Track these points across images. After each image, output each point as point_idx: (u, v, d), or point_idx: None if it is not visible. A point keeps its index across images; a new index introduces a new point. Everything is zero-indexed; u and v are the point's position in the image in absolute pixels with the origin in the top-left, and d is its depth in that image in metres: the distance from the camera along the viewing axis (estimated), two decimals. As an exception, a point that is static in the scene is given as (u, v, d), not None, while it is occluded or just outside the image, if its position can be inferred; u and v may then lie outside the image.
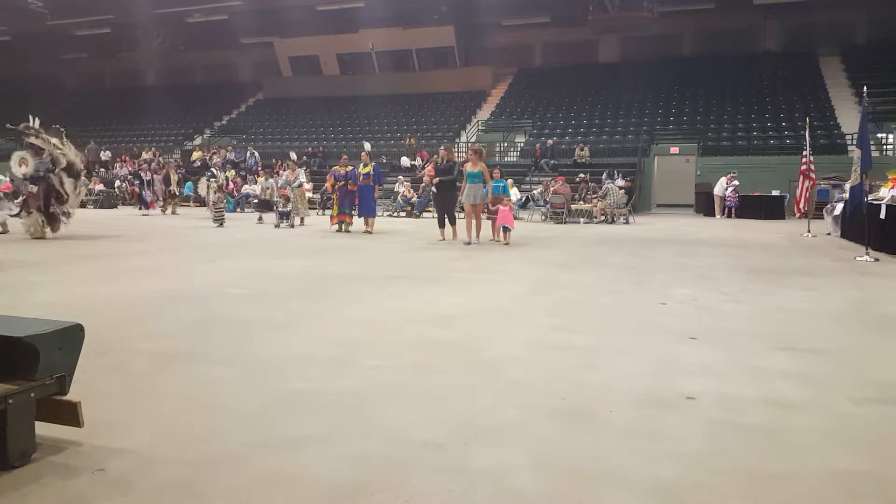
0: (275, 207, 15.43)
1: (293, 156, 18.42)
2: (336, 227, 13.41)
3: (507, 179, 19.35)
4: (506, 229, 10.93)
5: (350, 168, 13.35)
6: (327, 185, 14.06)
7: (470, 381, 3.58)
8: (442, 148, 12.83)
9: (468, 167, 10.95)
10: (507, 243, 10.78)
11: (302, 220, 15.11)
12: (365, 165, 13.15)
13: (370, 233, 12.85)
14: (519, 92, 29.66)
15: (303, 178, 15.68)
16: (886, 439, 2.81)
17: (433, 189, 12.60)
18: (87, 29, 33.23)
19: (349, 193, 13.25)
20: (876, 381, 3.62)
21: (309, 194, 17.13)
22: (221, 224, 14.66)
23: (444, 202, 11.69)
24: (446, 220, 11.44)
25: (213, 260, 8.84)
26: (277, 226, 14.38)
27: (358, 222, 13.32)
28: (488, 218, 11.36)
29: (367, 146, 14.34)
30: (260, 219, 16.06)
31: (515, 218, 18.09)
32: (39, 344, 2.52)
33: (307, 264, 8.40)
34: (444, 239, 11.27)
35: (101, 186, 24.09)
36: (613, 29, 27.35)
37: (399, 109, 30.10)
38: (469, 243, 10.67)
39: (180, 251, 10.00)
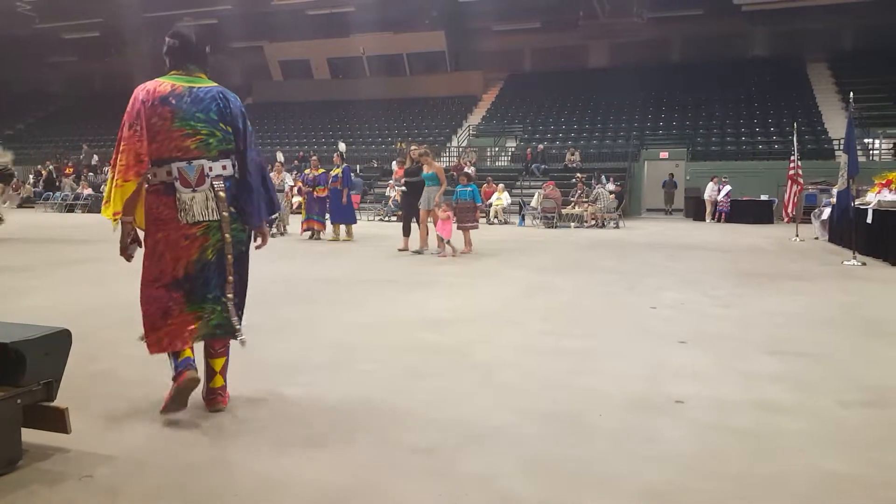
0: None
1: (280, 157, 17.36)
2: (307, 233, 12.58)
3: (501, 185, 19.52)
4: (440, 239, 9.79)
5: (321, 171, 12.56)
6: (295, 188, 13.36)
7: (461, 385, 3.58)
8: (413, 147, 11.91)
9: (425, 169, 10.14)
10: (455, 254, 9.77)
11: (283, 226, 14.05)
12: (335, 167, 12.24)
13: (348, 240, 12.02)
14: (510, 97, 29.76)
15: (290, 181, 14.78)
16: (875, 442, 2.83)
17: (402, 190, 11.40)
18: (75, 32, 33.05)
19: (318, 199, 12.41)
20: (864, 384, 3.65)
21: (297, 198, 16.24)
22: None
23: (411, 207, 10.50)
24: (412, 227, 10.45)
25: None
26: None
27: (329, 230, 12.40)
28: (467, 228, 10.43)
29: (342, 146, 13.56)
30: None
31: (505, 223, 18.28)
32: (26, 350, 2.50)
33: (297, 269, 8.38)
34: (405, 248, 10.27)
35: (89, 191, 23.96)
36: (603, 34, 27.54)
37: (390, 114, 30.12)
38: (419, 252, 9.91)
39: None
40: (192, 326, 2.89)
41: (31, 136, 33.50)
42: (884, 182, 10.80)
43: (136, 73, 35.25)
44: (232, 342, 3.10)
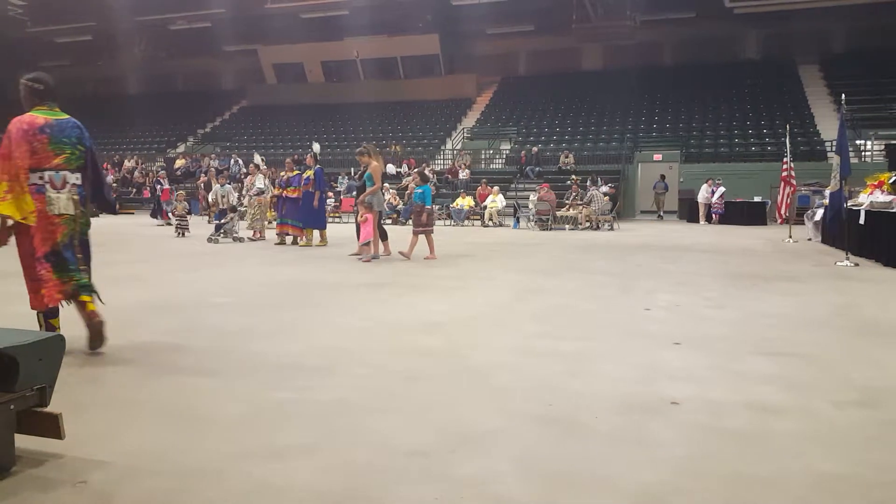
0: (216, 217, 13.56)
1: (257, 159, 16.40)
2: (279, 237, 12.06)
3: (496, 188, 19.55)
4: (367, 243, 9.47)
5: (295, 172, 11.94)
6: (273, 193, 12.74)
7: (456, 388, 3.58)
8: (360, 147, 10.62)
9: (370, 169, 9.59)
10: (368, 259, 9.36)
11: (259, 232, 13.27)
12: (307, 169, 11.73)
13: (322, 245, 11.63)
14: (504, 100, 29.82)
15: (260, 184, 13.71)
16: (868, 442, 2.85)
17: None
18: (68, 36, 32.97)
19: (289, 201, 11.79)
20: (857, 384, 3.67)
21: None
22: (182, 234, 13.84)
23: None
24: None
25: (196, 269, 8.78)
26: (210, 239, 12.42)
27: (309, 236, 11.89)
28: (417, 232, 9.86)
29: (316, 147, 12.85)
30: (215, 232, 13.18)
31: (500, 226, 18.30)
32: (19, 355, 2.49)
33: (291, 273, 8.36)
34: (385, 254, 9.88)
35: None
36: (596, 37, 27.63)
37: (384, 117, 30.14)
38: (374, 257, 9.48)
39: (162, 260, 9.91)
40: (62, 288, 3.99)
41: (24, 141, 33.28)
42: (876, 183, 10.87)
43: (128, 76, 35.28)
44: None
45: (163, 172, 23.61)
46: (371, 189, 9.42)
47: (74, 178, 4.01)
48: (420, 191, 10.08)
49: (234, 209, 13.13)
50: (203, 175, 21.81)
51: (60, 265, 3.97)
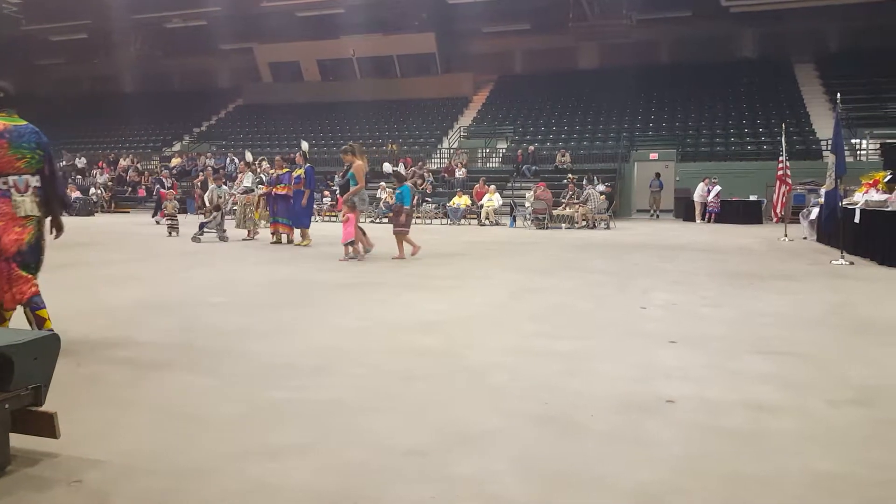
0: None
1: (249, 157, 15.97)
2: (273, 238, 11.97)
3: (492, 186, 19.54)
4: (350, 244, 9.38)
5: (285, 170, 11.85)
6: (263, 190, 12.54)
7: (453, 387, 3.58)
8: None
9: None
10: (345, 259, 9.35)
11: (250, 232, 12.99)
12: (298, 168, 11.65)
13: (305, 244, 11.46)
14: (500, 98, 29.81)
15: (248, 182, 13.35)
16: (864, 441, 2.85)
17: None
18: (63, 34, 32.82)
19: (278, 199, 11.71)
20: (853, 383, 3.67)
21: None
22: (170, 234, 13.49)
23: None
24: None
25: (192, 268, 8.76)
26: (194, 238, 12.16)
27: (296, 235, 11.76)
28: (397, 232, 9.74)
29: (304, 145, 12.66)
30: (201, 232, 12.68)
31: (497, 224, 18.30)
32: (14, 354, 2.47)
33: (287, 272, 8.35)
34: (368, 246, 9.89)
35: (77, 194, 23.80)
36: (593, 36, 27.64)
37: (381, 116, 30.09)
38: (353, 257, 9.45)
39: (159, 259, 9.88)
40: (33, 282, 4.15)
41: (19, 139, 33.15)
42: (871, 182, 10.91)
43: (123, 75, 35.16)
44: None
45: (166, 172, 23.51)
46: (354, 189, 9.35)
47: (35, 181, 4.17)
48: (399, 191, 9.97)
49: (217, 208, 12.72)
50: (200, 174, 21.79)
51: (26, 264, 4.16)
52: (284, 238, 11.96)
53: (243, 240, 12.76)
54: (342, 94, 31.21)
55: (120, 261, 9.39)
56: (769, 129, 22.97)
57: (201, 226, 12.52)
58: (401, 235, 9.72)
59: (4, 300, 4.11)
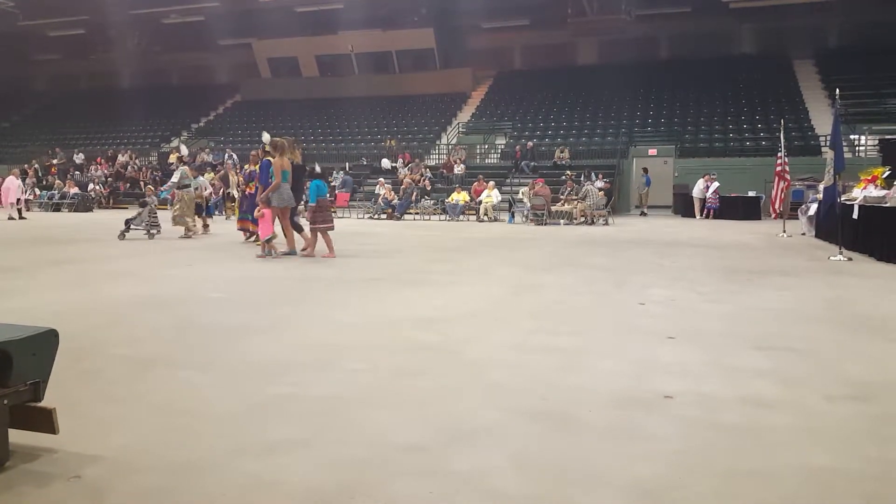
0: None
1: (184, 150, 15.05)
2: (245, 235, 11.53)
3: (491, 182, 19.52)
4: (268, 240, 9.19)
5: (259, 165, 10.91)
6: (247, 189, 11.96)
7: (451, 383, 3.58)
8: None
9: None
10: (261, 255, 9.22)
11: (189, 230, 12.26)
12: (256, 163, 10.89)
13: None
14: (499, 94, 29.78)
15: (176, 178, 12.53)
16: (861, 436, 2.86)
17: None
18: (60, 30, 32.73)
19: (250, 196, 11.13)
20: (850, 379, 3.68)
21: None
22: (151, 235, 11.92)
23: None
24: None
25: (190, 264, 8.75)
26: (120, 236, 11.53)
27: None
28: (313, 229, 9.43)
29: (266, 137, 11.75)
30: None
31: (495, 220, 18.29)
32: (12, 350, 2.48)
33: (285, 268, 8.34)
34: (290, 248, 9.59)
35: (75, 190, 23.77)
36: (592, 32, 27.62)
37: (379, 111, 30.05)
38: (291, 253, 9.35)
39: (156, 255, 9.87)
40: None
41: (16, 135, 33.17)
42: (869, 178, 10.91)
43: (121, 70, 35.09)
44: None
45: (149, 170, 23.46)
46: (272, 185, 9.18)
47: None
48: (311, 187, 9.52)
49: (143, 204, 12.02)
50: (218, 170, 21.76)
51: None
52: (245, 237, 11.55)
53: (181, 237, 12.03)
54: (341, 89, 31.17)
55: (120, 256, 9.38)
56: (768, 124, 22.96)
57: (127, 222, 11.82)
58: (320, 231, 9.31)
59: None
